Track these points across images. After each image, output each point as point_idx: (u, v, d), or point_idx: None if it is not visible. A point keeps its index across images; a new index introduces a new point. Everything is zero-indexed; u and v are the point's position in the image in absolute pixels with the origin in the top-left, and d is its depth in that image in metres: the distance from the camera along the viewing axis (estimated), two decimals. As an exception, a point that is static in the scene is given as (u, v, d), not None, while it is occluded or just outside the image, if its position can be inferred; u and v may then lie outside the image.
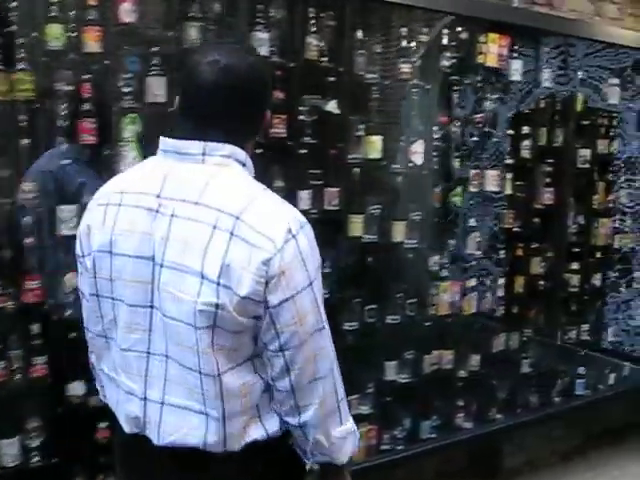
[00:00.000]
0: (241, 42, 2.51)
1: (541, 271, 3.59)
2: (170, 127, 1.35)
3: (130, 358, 1.32)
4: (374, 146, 2.87)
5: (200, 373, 1.25)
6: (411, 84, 3.00)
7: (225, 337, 1.24)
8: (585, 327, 3.85)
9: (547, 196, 3.53)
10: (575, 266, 3.73)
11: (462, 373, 3.34)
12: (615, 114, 3.79)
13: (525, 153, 3.40)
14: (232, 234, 1.20)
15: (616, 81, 3.72)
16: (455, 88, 3.11)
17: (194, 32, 2.46)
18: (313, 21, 2.68)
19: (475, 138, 3.21)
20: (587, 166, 3.66)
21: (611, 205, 3.84)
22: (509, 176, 3.37)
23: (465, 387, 3.34)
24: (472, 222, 3.25)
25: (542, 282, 3.61)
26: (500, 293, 3.42)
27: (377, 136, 2.87)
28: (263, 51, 2.58)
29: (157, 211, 1.27)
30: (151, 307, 1.28)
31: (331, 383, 1.33)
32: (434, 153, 3.08)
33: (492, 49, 3.18)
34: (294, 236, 1.24)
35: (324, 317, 1.31)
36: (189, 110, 1.32)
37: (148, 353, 1.30)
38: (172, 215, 1.25)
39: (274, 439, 1.34)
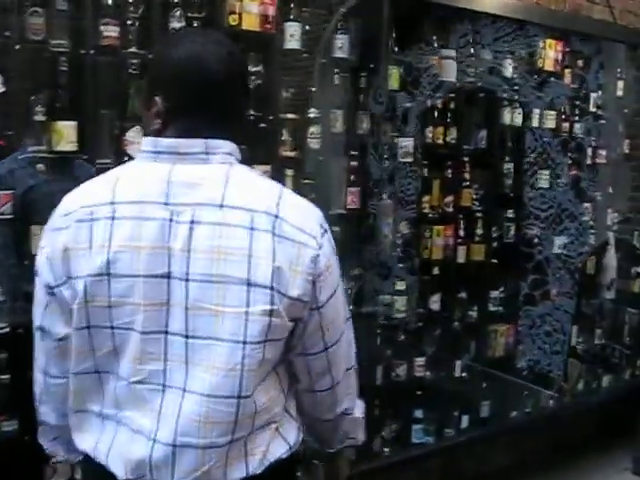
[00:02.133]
0: None
1: (348, 291, 3.00)
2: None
3: (143, 392, 1.23)
4: (64, 135, 2.32)
5: (239, 397, 1.21)
6: (127, 53, 2.42)
7: (272, 348, 1.23)
8: (420, 361, 3.27)
9: (351, 198, 2.95)
10: (400, 286, 3.15)
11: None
12: (453, 95, 3.19)
13: (313, 143, 2.82)
14: (274, 234, 1.20)
15: (451, 53, 3.14)
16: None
17: None
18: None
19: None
20: (410, 160, 3.07)
21: (450, 209, 3.25)
22: (290, 172, 2.79)
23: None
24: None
25: (350, 307, 3.01)
26: (283, 322, 2.84)
27: (68, 122, 2.31)
28: None
29: (170, 220, 1.20)
30: (166, 333, 1.21)
31: (356, 367, 1.48)
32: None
33: (251, 8, 2.61)
34: (326, 230, 1.28)
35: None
36: (185, 105, 1.27)
37: (164, 386, 1.22)
38: (192, 222, 1.19)
39: (296, 453, 1.35)
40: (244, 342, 1.19)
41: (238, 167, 1.29)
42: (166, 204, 1.21)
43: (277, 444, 1.31)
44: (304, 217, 1.26)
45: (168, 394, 1.23)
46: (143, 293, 1.20)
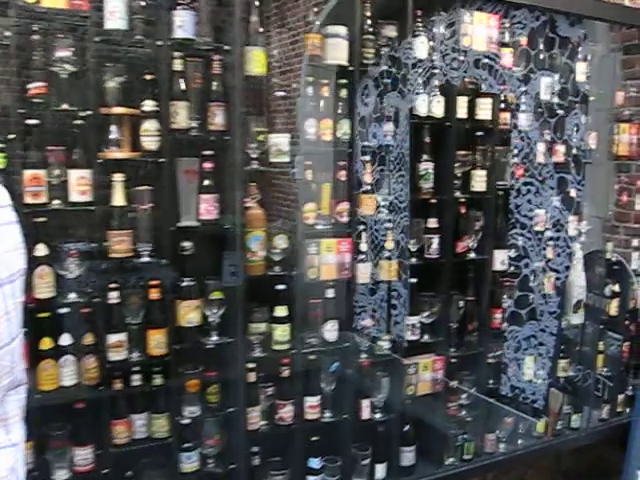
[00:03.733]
0: None
1: (209, 319, 2.57)
2: None
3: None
4: None
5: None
6: None
7: None
8: (312, 401, 2.79)
9: (205, 207, 2.50)
10: (279, 312, 2.68)
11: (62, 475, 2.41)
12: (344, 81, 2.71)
13: (148, 143, 2.39)
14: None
15: (340, 31, 2.65)
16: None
17: None
18: None
19: (35, 121, 2.24)
20: (285, 160, 2.60)
21: (344, 218, 2.75)
22: (119, 177, 2.38)
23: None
24: (42, 250, 2.28)
25: (212, 338, 2.59)
26: (118, 357, 2.43)
27: None
28: None
29: None
30: None
31: None
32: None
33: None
34: None
35: None
36: None
37: None
38: None
39: None
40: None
41: None
42: None
43: None
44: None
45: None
46: None
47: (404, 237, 3.09)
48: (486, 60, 3.14)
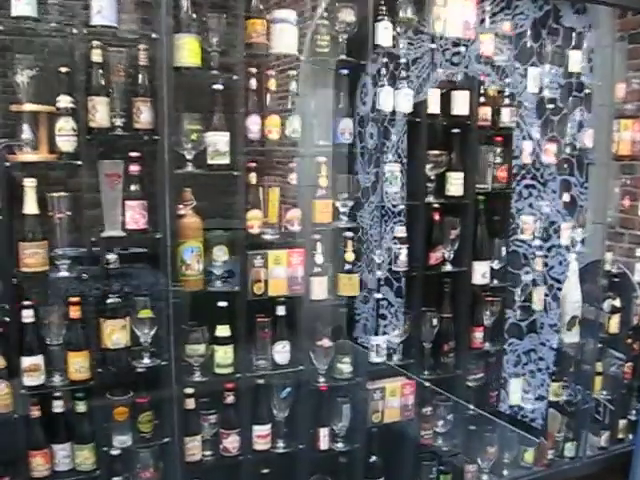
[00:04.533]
0: None
1: (140, 340, 2.33)
2: None
3: None
4: None
5: None
6: None
7: None
8: (261, 430, 2.53)
9: (131, 215, 2.27)
10: (222, 332, 2.43)
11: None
12: (293, 72, 2.44)
13: (64, 143, 2.17)
14: None
15: (288, 16, 2.39)
16: None
17: None
18: None
19: None
20: (224, 162, 2.35)
21: (295, 227, 2.48)
22: (30, 183, 2.15)
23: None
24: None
25: (143, 360, 2.35)
26: (34, 381, 2.21)
27: None
28: None
29: None
30: None
31: None
32: None
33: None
34: None
35: None
36: None
37: None
38: None
39: None
40: None
41: None
42: None
43: None
44: None
45: None
46: None
47: (396, 243, 2.83)
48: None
